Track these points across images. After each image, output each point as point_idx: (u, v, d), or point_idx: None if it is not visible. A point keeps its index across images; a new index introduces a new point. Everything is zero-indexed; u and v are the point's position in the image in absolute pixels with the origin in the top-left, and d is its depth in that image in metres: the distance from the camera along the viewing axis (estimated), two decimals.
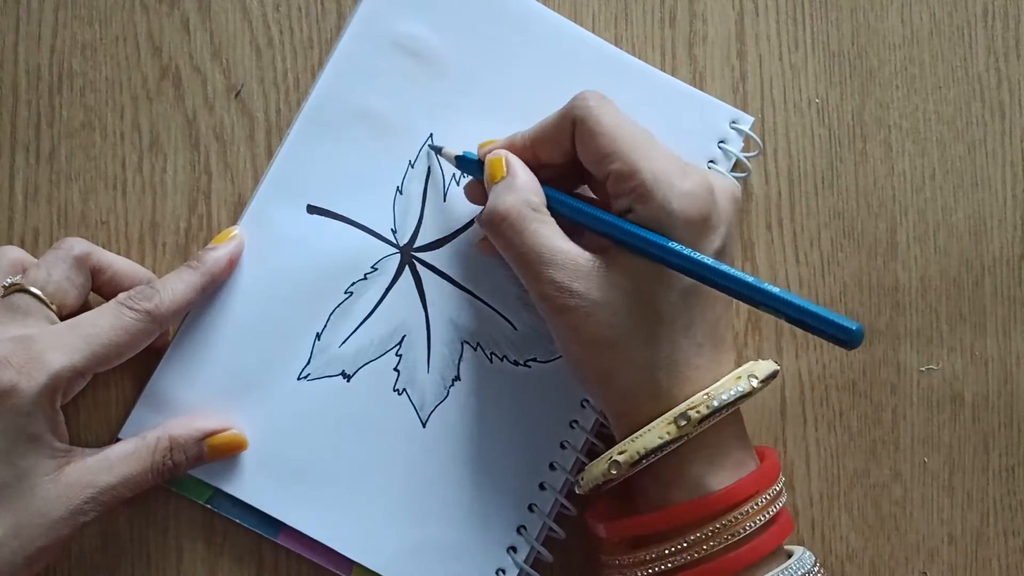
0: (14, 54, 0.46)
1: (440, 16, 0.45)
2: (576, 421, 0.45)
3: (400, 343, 0.45)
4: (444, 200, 0.45)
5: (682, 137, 0.44)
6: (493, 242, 0.40)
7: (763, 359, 0.40)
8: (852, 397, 0.47)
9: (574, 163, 0.41)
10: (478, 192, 0.43)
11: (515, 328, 0.45)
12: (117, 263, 0.43)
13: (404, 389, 0.44)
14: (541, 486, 0.44)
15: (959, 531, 0.47)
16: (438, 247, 0.45)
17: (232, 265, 0.44)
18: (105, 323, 0.39)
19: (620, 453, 0.38)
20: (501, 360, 0.45)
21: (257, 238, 0.44)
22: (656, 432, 0.37)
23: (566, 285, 0.38)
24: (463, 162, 0.43)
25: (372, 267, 0.45)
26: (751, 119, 0.46)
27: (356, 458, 0.44)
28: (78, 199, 0.45)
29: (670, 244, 0.37)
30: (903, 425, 0.47)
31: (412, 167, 0.45)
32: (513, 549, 0.44)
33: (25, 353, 0.38)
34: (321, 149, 0.45)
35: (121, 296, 0.41)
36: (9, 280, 0.40)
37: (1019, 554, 0.48)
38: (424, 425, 0.44)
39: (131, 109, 0.46)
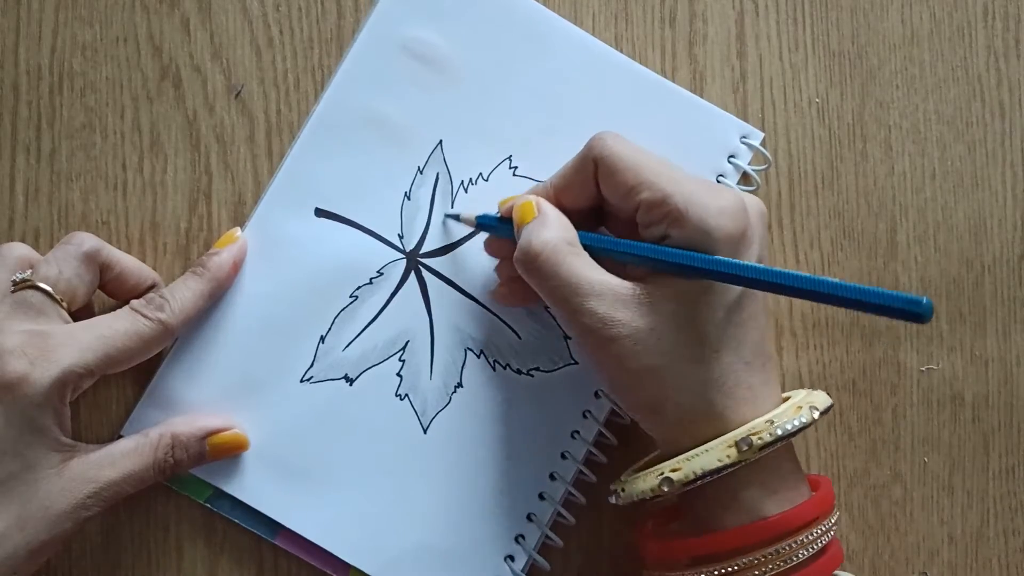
0: (15, 54, 0.46)
1: (452, 23, 0.45)
2: (578, 432, 0.44)
3: (404, 348, 0.45)
4: (452, 207, 0.45)
5: (692, 150, 0.44)
6: (529, 280, 0.39)
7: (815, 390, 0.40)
8: (852, 397, 0.47)
9: (592, 209, 0.41)
10: (498, 247, 0.43)
11: (519, 337, 0.45)
12: (124, 260, 0.43)
13: (406, 394, 0.44)
14: (541, 496, 0.44)
15: (959, 531, 0.47)
16: (444, 254, 0.45)
17: (237, 268, 0.44)
18: (120, 328, 0.40)
19: (673, 471, 0.37)
20: (504, 368, 0.45)
21: (264, 239, 0.44)
22: (715, 454, 0.37)
23: (609, 315, 0.37)
24: (484, 222, 0.43)
25: (378, 272, 0.45)
26: (761, 134, 0.46)
27: (356, 462, 0.44)
28: (79, 199, 0.46)
29: (719, 259, 0.36)
30: (903, 425, 0.47)
31: (421, 173, 0.45)
32: (511, 558, 0.44)
33: (40, 346, 0.38)
34: (330, 153, 0.45)
35: (135, 303, 0.41)
36: (19, 276, 0.40)
37: (1019, 554, 0.48)
38: (425, 431, 0.44)
39: (131, 109, 0.46)
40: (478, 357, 0.45)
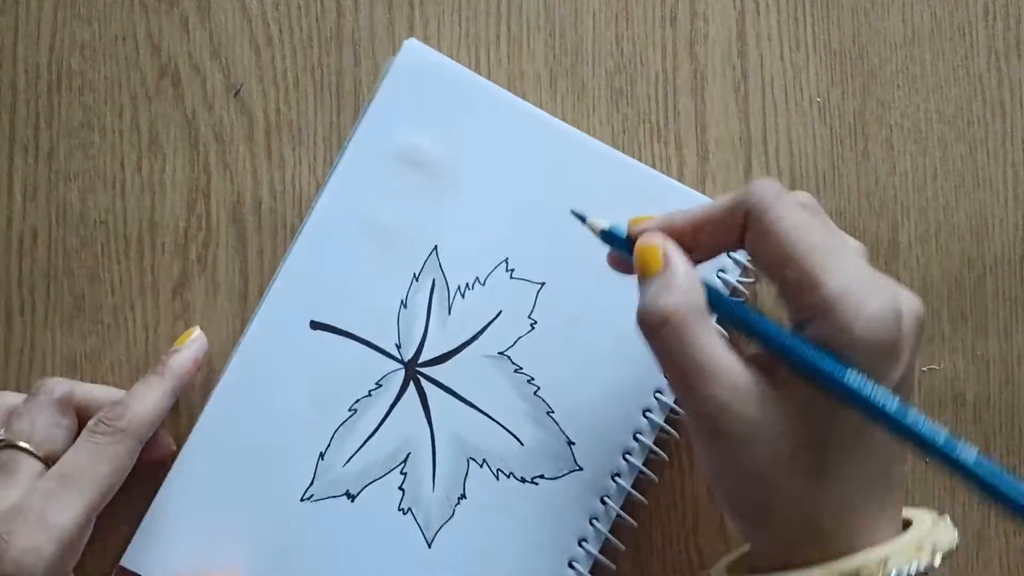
0: (13, 53, 0.45)
1: (444, 128, 0.45)
2: (585, 540, 0.44)
3: (405, 461, 0.44)
4: (449, 314, 0.45)
5: None
6: (646, 344, 0.35)
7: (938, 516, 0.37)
8: None
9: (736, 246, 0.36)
10: (621, 263, 0.39)
11: (522, 444, 0.44)
12: (99, 394, 0.42)
13: (409, 508, 0.44)
14: None
15: (959, 531, 0.47)
16: (443, 362, 0.44)
17: (197, 365, 0.43)
18: (86, 463, 0.39)
19: None
20: (508, 477, 0.44)
21: (260, 354, 0.44)
22: None
23: (728, 406, 0.33)
24: (610, 237, 0.38)
25: (376, 383, 0.44)
26: None
27: None
28: (77, 199, 0.45)
29: (855, 382, 0.32)
30: None
31: (416, 280, 0.45)
32: None
33: (24, 528, 0.37)
34: (324, 263, 0.44)
35: (90, 424, 0.40)
36: None
37: (1020, 554, 0.47)
38: (430, 545, 0.43)
39: (130, 108, 0.46)
40: (481, 466, 0.44)
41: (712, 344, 0.33)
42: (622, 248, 0.38)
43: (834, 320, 0.32)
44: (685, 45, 0.47)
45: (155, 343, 0.45)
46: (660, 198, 0.45)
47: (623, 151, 0.46)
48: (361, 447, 0.44)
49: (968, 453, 0.30)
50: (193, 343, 0.43)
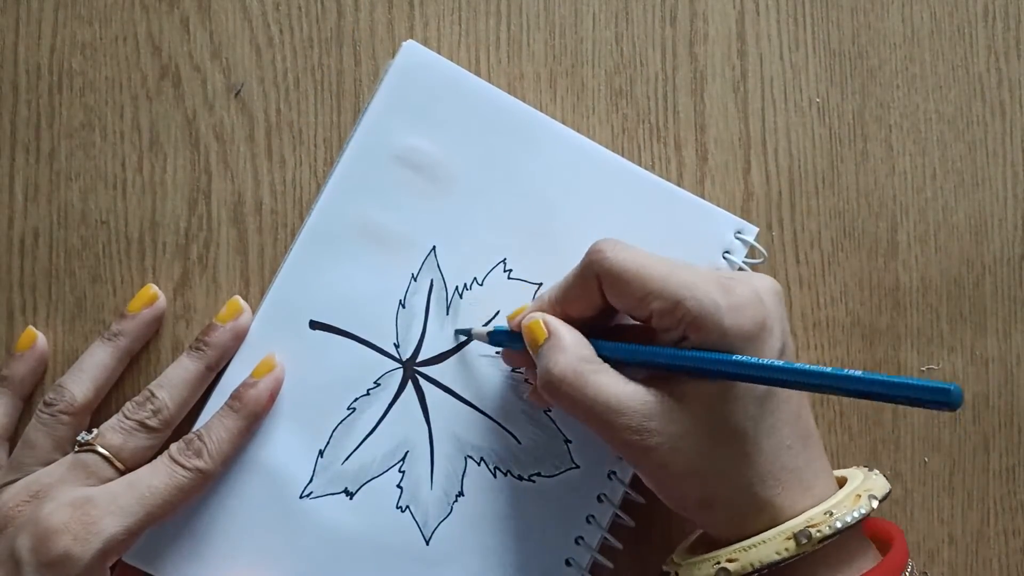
0: (14, 54, 0.46)
1: (443, 129, 0.45)
2: (582, 537, 0.44)
3: (403, 459, 0.44)
4: (447, 313, 0.45)
5: (687, 247, 0.44)
6: (556, 405, 0.39)
7: (872, 472, 0.40)
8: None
9: (603, 312, 0.40)
10: (517, 358, 0.43)
11: (519, 442, 0.44)
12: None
13: (407, 506, 0.44)
14: None
15: (959, 531, 0.47)
16: (441, 361, 0.45)
17: (273, 399, 0.43)
18: (160, 483, 0.40)
19: (730, 561, 0.37)
20: (505, 475, 0.44)
21: (260, 354, 0.44)
22: (773, 546, 0.36)
23: (642, 427, 0.37)
24: (497, 336, 0.42)
25: (375, 382, 0.44)
26: (755, 229, 0.46)
27: None
28: (78, 199, 0.45)
29: (739, 359, 0.36)
30: (903, 425, 0.47)
31: (415, 280, 0.45)
32: None
33: (83, 519, 0.38)
34: (323, 264, 0.44)
35: (173, 450, 0.41)
36: (84, 437, 0.41)
37: (1019, 554, 0.48)
38: (427, 543, 0.44)
39: (131, 109, 0.46)
40: (478, 465, 0.44)
41: (610, 383, 0.38)
42: (511, 341, 0.42)
43: (705, 325, 0.36)
44: (685, 45, 0.47)
45: (156, 343, 0.45)
46: (655, 201, 0.45)
47: (622, 151, 0.46)
48: (360, 445, 0.44)
49: (854, 372, 0.33)
50: (269, 376, 0.43)
